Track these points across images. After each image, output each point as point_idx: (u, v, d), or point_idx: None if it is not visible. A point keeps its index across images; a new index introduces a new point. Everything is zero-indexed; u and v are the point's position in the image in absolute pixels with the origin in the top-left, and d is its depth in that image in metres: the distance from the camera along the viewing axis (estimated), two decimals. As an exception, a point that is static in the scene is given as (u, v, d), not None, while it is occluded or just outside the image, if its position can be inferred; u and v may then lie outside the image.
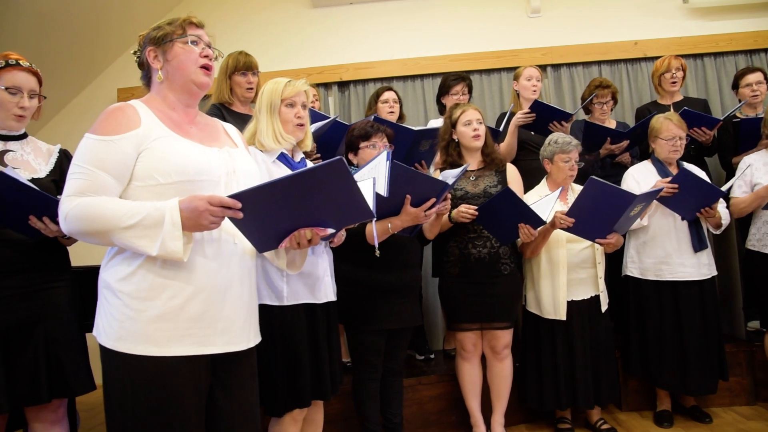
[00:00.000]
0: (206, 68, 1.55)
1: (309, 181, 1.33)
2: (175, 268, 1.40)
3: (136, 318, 1.38)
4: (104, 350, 1.41)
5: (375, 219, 1.77)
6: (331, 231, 1.51)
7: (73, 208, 1.37)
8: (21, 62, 2.01)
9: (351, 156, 2.56)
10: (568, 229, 2.61)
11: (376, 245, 2.03)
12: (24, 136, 2.10)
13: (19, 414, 2.04)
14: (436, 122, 3.51)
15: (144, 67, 1.60)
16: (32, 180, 1.97)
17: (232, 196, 1.32)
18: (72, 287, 2.08)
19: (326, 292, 2.16)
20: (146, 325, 1.37)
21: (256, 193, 1.32)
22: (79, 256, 2.30)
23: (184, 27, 1.55)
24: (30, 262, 1.95)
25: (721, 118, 3.26)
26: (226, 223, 1.44)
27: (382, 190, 1.97)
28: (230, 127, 1.75)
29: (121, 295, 1.39)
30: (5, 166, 1.96)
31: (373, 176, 1.95)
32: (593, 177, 2.47)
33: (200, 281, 1.43)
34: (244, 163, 1.61)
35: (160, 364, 1.37)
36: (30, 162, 2.04)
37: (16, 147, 2.04)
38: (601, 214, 2.55)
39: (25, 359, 1.90)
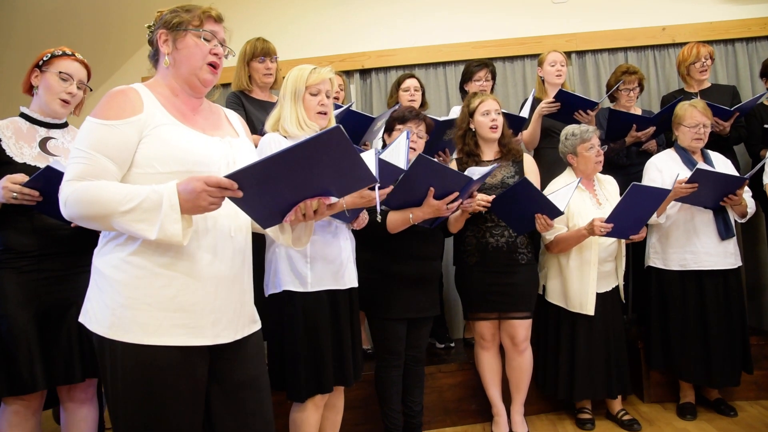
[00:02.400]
0: (213, 66, 1.52)
1: (307, 151, 1.29)
2: (169, 257, 1.39)
3: (128, 306, 1.36)
4: (97, 337, 1.39)
5: (378, 184, 1.74)
6: (334, 200, 1.47)
7: (73, 192, 1.35)
8: (76, 54, 2.12)
9: (386, 136, 2.61)
10: (606, 234, 2.59)
11: (378, 210, 1.99)
12: (65, 125, 2.17)
13: (50, 393, 2.10)
14: (459, 109, 3.49)
15: (154, 46, 1.57)
16: None
17: (228, 176, 1.28)
18: None
19: (349, 277, 2.19)
20: (138, 314, 1.36)
21: (253, 171, 1.29)
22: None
23: (202, 19, 1.51)
24: (67, 246, 2.02)
25: (731, 109, 3.13)
26: (222, 213, 1.42)
27: (402, 165, 1.98)
28: (232, 115, 1.72)
29: (113, 282, 1.38)
30: (47, 153, 2.05)
31: (398, 155, 1.95)
32: (636, 183, 2.46)
33: (193, 272, 1.41)
34: (245, 153, 1.59)
35: (152, 352, 1.36)
36: (70, 150, 2.09)
37: (57, 135, 2.12)
38: (636, 213, 2.56)
39: (60, 340, 1.97)
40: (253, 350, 1.60)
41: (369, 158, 1.69)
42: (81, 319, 1.45)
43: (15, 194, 1.84)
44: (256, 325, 1.63)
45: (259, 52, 2.80)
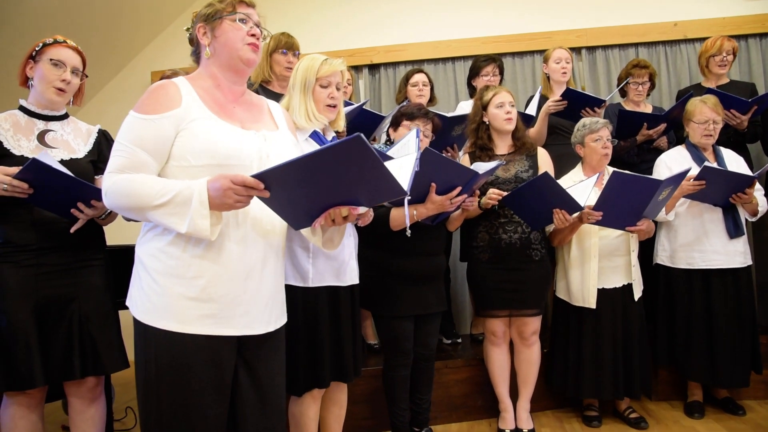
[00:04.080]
0: (253, 45, 1.56)
1: (330, 159, 1.30)
2: (202, 249, 1.43)
3: (162, 294, 1.43)
4: (135, 321, 1.47)
5: (409, 198, 1.74)
6: (363, 209, 1.48)
7: (113, 184, 1.42)
8: (68, 41, 2.08)
9: (391, 131, 2.59)
10: (596, 222, 2.56)
11: (408, 225, 2.00)
12: (65, 116, 2.13)
13: (58, 386, 2.09)
14: (467, 104, 3.47)
15: (194, 43, 1.62)
16: (70, 160, 2.02)
17: (254, 176, 1.32)
18: (107, 266, 2.13)
19: (351, 275, 2.17)
20: (171, 302, 1.42)
21: (277, 173, 1.31)
22: (114, 235, 2.35)
23: (234, 5, 1.56)
24: (66, 241, 1.99)
25: (750, 101, 3.07)
26: (255, 208, 1.45)
27: (416, 165, 1.96)
28: (276, 108, 1.74)
29: (150, 270, 1.45)
30: (45, 145, 2.02)
31: (406, 153, 1.93)
32: (616, 170, 2.42)
33: (224, 263, 1.45)
34: (281, 146, 1.60)
35: (181, 340, 1.42)
36: (69, 142, 2.08)
37: (56, 127, 2.08)
38: (628, 203, 2.51)
39: (59, 336, 1.95)
40: (279, 343, 1.66)
41: (405, 168, 1.66)
42: (127, 302, 1.53)
43: (5, 186, 1.81)
44: (284, 318, 1.68)
45: (283, 45, 2.82)
